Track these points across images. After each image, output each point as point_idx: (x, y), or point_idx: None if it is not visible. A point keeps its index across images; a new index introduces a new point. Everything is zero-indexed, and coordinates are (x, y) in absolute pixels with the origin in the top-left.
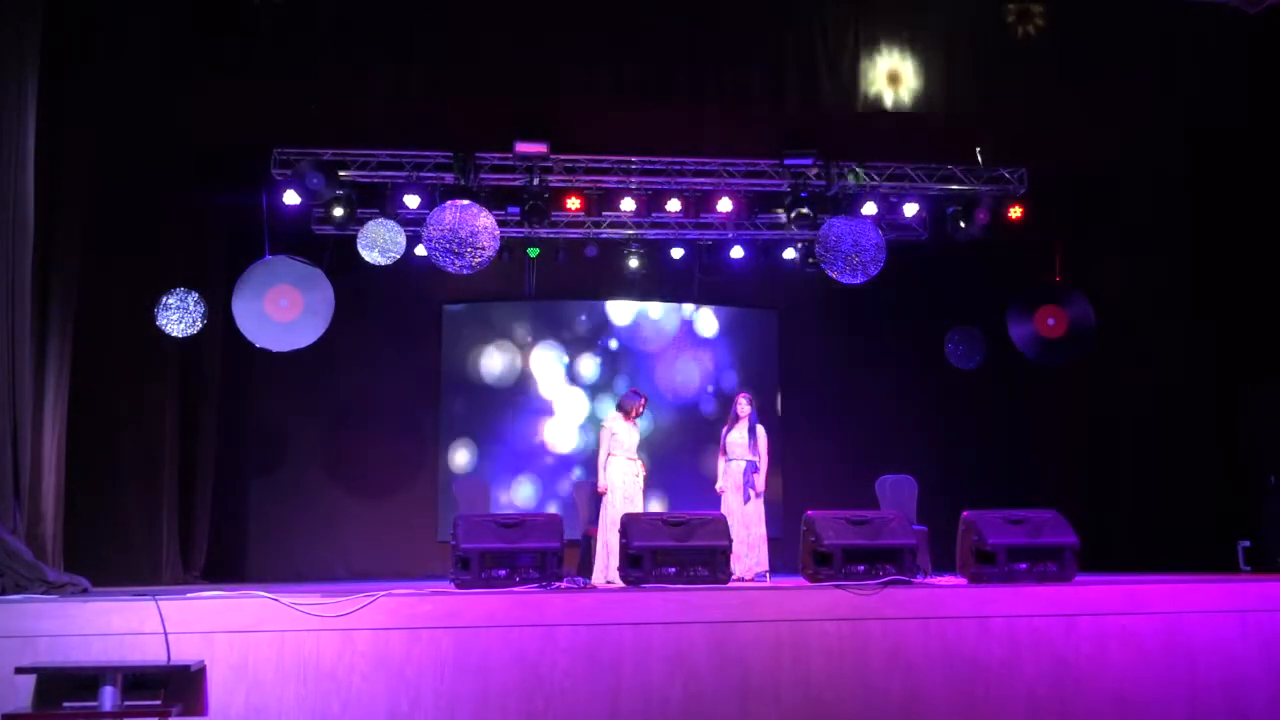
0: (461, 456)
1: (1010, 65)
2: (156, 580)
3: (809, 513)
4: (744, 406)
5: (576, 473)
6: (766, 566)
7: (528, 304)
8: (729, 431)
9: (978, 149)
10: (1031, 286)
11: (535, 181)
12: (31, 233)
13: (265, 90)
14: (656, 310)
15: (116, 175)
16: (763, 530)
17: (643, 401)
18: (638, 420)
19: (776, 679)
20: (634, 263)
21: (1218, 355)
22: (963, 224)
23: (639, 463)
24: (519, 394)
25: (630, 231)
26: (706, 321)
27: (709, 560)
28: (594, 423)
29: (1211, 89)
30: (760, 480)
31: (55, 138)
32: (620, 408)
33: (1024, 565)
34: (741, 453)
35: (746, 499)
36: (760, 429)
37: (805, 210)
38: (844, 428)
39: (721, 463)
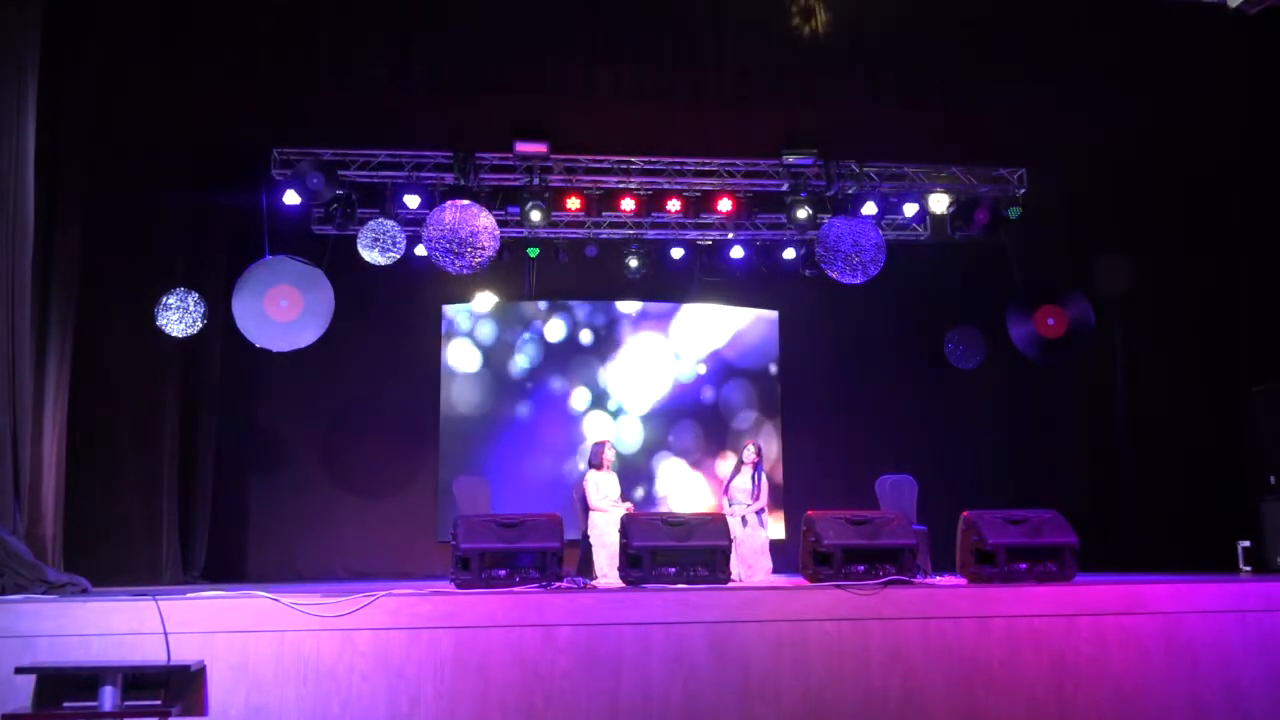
0: (462, 455)
1: (1010, 64)
2: (156, 580)
3: (809, 513)
4: (750, 453)
5: (582, 466)
6: (770, 567)
7: (528, 304)
8: (734, 477)
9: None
10: (1031, 286)
11: (535, 181)
12: (31, 233)
13: (265, 90)
14: (659, 310)
15: (116, 175)
16: (766, 539)
17: (605, 445)
18: (612, 467)
19: (776, 679)
20: (634, 263)
21: (1218, 355)
22: (962, 224)
23: (624, 507)
24: (519, 393)
25: (630, 231)
26: (706, 321)
27: (709, 560)
28: (594, 420)
29: (1211, 89)
30: (764, 517)
31: (55, 137)
32: (590, 462)
33: (1024, 565)
34: (744, 498)
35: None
36: (763, 474)
37: (805, 210)
38: (844, 428)
39: (725, 504)
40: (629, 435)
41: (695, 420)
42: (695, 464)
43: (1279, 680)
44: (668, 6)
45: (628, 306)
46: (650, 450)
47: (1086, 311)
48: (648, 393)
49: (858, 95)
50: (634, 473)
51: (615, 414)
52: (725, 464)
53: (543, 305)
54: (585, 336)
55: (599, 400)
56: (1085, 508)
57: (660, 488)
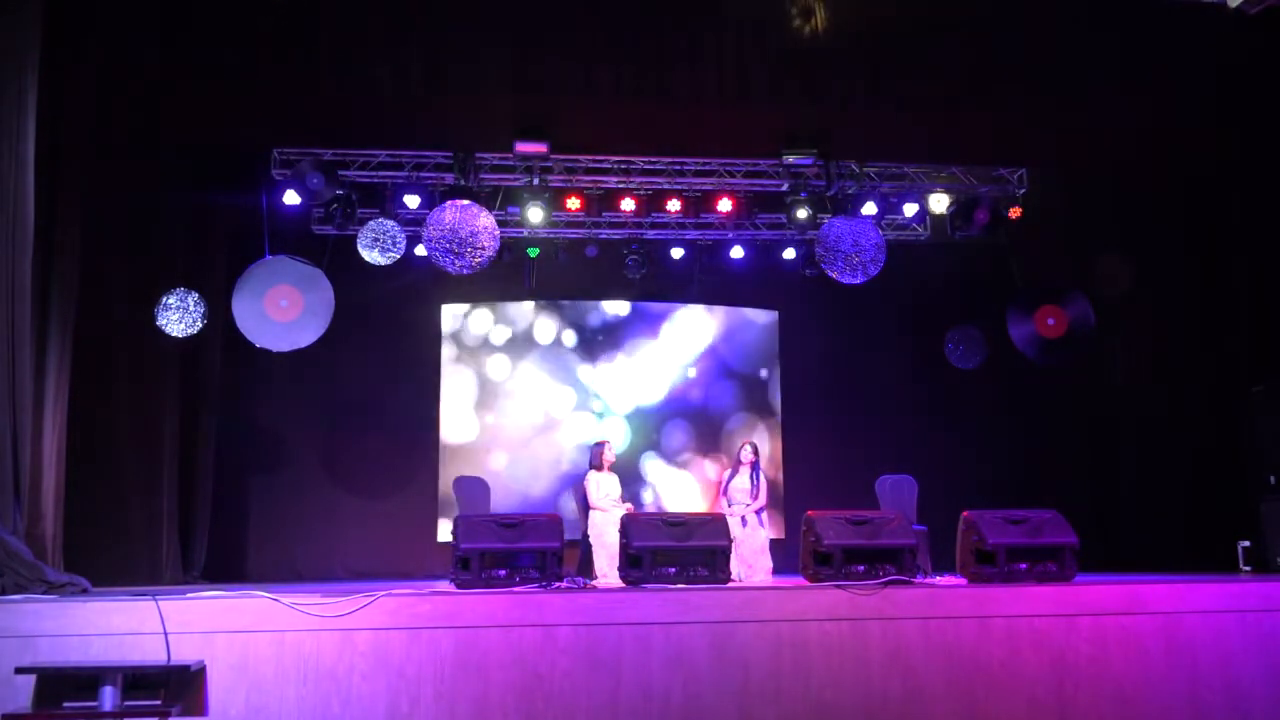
0: (461, 455)
1: (1010, 64)
2: (156, 580)
3: (809, 513)
4: (748, 453)
5: (564, 467)
6: (770, 567)
7: (528, 304)
8: (732, 477)
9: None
10: (1031, 286)
11: (535, 181)
12: (31, 233)
13: (265, 90)
14: (656, 310)
15: (116, 175)
16: (766, 538)
17: (605, 445)
18: (612, 467)
19: (776, 679)
20: (634, 263)
21: (1218, 355)
22: (962, 224)
23: (624, 507)
24: (518, 394)
25: (630, 231)
26: (706, 321)
27: (709, 560)
28: (592, 420)
29: (1211, 89)
30: (764, 517)
31: (55, 138)
32: (591, 464)
33: (1024, 565)
34: (743, 498)
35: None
36: (761, 474)
37: (805, 210)
38: (844, 428)
39: (723, 504)
40: (627, 435)
41: (694, 420)
42: (693, 464)
43: (1279, 680)
44: (668, 6)
45: (627, 306)
46: (649, 450)
47: (1086, 311)
48: (647, 393)
49: (858, 95)
50: (632, 473)
51: (613, 414)
52: (725, 464)
53: (543, 305)
54: (585, 336)
55: (598, 400)
56: (1085, 508)
57: (658, 488)
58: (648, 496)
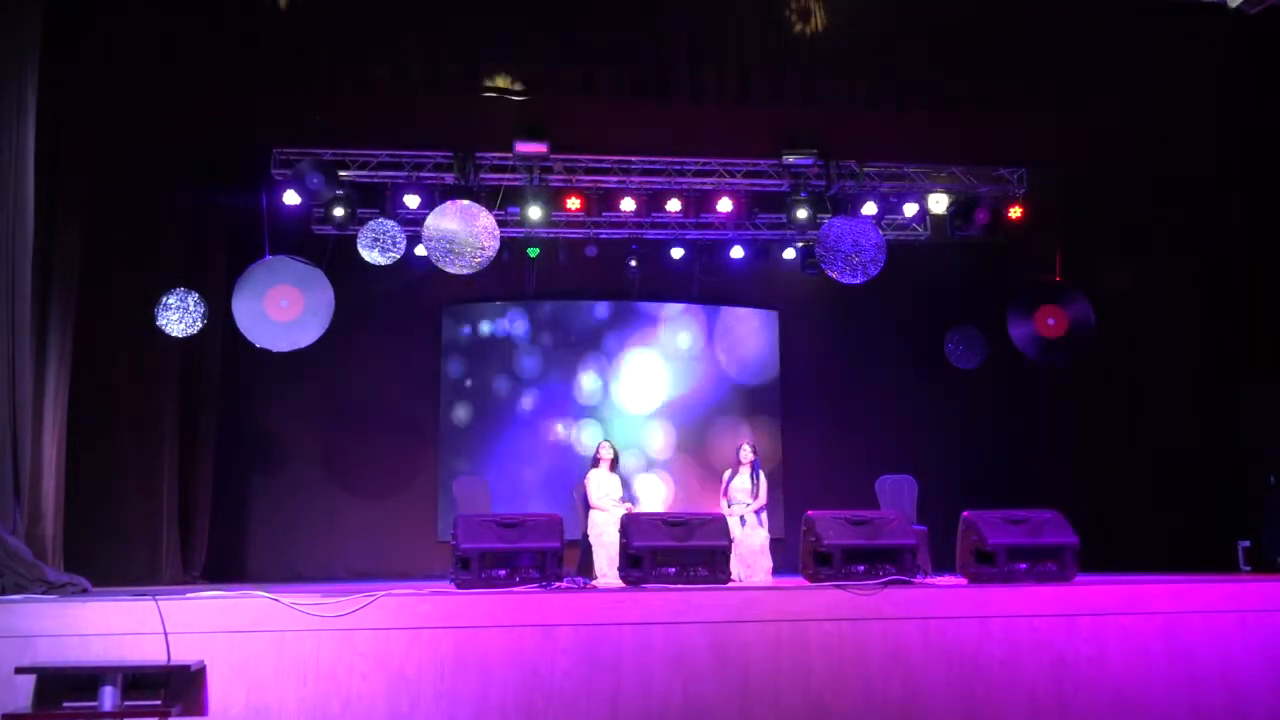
0: (461, 455)
1: (1010, 65)
2: (156, 580)
3: (809, 513)
4: (747, 453)
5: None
6: (770, 567)
7: (528, 304)
8: (732, 478)
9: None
10: (1031, 286)
11: (535, 181)
12: (31, 233)
13: (265, 90)
14: (655, 310)
15: (116, 175)
16: (766, 538)
17: (604, 445)
18: (614, 467)
19: (776, 679)
20: (634, 263)
21: (1218, 356)
22: (962, 224)
23: (625, 507)
24: (519, 394)
25: (630, 231)
26: (705, 321)
27: (709, 560)
28: (592, 420)
29: (1211, 89)
30: (764, 517)
31: (55, 138)
32: (593, 462)
33: (1024, 565)
34: (744, 498)
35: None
36: (761, 474)
37: (805, 210)
38: (844, 427)
39: (724, 504)
40: (627, 436)
41: (694, 420)
42: (695, 465)
43: (1279, 680)
44: (668, 6)
45: (627, 306)
46: (649, 451)
47: (1086, 311)
48: (647, 393)
49: (858, 95)
50: (631, 474)
51: (613, 414)
52: (725, 464)
53: (543, 305)
54: (584, 337)
55: (597, 400)
56: (1085, 508)
57: (659, 489)
58: (653, 494)
